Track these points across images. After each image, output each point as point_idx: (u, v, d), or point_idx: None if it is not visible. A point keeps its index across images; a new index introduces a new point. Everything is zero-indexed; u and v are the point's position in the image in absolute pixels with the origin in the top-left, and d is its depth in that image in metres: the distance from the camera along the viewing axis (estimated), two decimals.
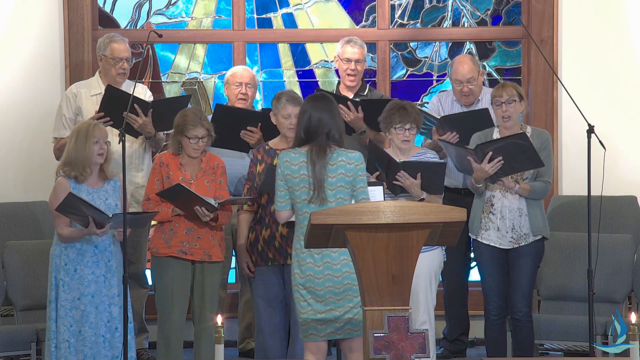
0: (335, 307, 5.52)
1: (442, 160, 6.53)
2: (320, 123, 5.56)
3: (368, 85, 7.36)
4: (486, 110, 6.82)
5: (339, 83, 7.40)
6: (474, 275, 7.37)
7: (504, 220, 6.58)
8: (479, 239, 6.66)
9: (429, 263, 6.25)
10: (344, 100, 6.96)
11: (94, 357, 6.22)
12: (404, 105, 6.40)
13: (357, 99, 7.04)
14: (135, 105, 6.82)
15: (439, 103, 7.27)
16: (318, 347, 5.62)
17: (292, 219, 6.15)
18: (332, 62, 8.04)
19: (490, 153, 6.40)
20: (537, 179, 6.60)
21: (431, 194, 6.34)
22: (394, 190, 6.33)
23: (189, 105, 6.98)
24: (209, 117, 6.83)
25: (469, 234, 6.71)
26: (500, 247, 6.62)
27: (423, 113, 6.97)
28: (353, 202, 5.58)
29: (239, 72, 7.29)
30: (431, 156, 6.48)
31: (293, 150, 5.61)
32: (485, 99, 7.12)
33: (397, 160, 6.31)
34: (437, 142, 6.86)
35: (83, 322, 6.23)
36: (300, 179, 5.56)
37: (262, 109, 7.40)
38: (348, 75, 7.22)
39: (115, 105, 6.76)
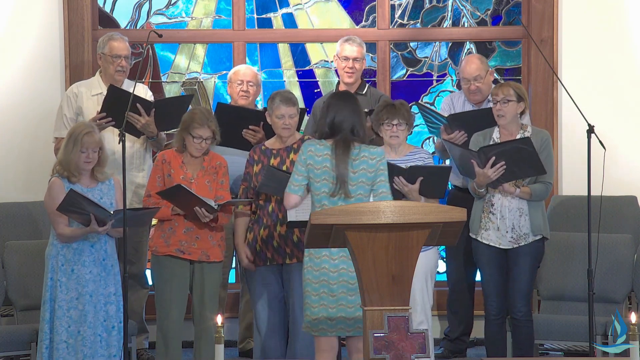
0: (346, 303, 5.51)
1: (448, 165, 6.50)
2: (346, 118, 5.58)
3: (368, 84, 7.36)
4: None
5: (338, 83, 7.41)
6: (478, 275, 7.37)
7: (504, 220, 6.58)
8: (478, 239, 6.66)
9: (425, 263, 6.23)
10: None
11: (92, 357, 6.21)
12: (393, 102, 6.45)
13: (366, 110, 7.02)
14: (137, 105, 6.82)
15: (451, 103, 7.28)
16: (330, 344, 5.61)
17: (293, 218, 6.16)
18: (332, 62, 8.04)
19: (494, 158, 6.39)
20: (537, 181, 6.59)
21: (433, 198, 6.33)
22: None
23: (191, 105, 6.98)
24: None
25: (469, 234, 6.71)
26: (500, 247, 6.62)
27: (433, 112, 6.98)
28: (371, 197, 5.57)
29: (242, 70, 7.31)
30: (425, 156, 6.49)
31: (319, 142, 5.61)
32: None
33: (403, 167, 6.31)
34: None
35: (82, 322, 6.23)
36: (322, 170, 5.55)
37: (264, 108, 7.41)
38: (346, 72, 7.23)
39: (117, 105, 6.75)
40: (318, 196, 5.57)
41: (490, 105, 7.04)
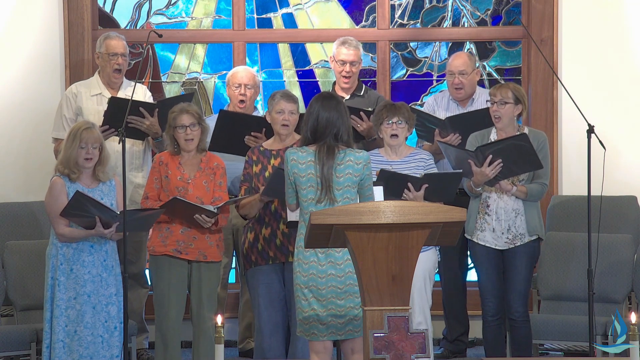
0: (336, 307, 5.50)
1: (459, 171, 6.49)
2: (329, 123, 5.51)
3: (364, 85, 7.35)
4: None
5: (334, 83, 7.39)
6: (472, 275, 7.37)
7: (500, 221, 6.57)
8: (474, 240, 6.65)
9: (423, 264, 6.22)
10: (356, 111, 6.94)
11: (91, 357, 6.21)
12: (394, 103, 6.43)
13: (369, 109, 7.01)
14: (141, 108, 6.82)
15: (434, 102, 7.31)
16: (325, 346, 5.59)
17: (293, 218, 6.16)
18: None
19: (491, 156, 6.40)
20: (533, 181, 6.59)
21: (440, 202, 6.31)
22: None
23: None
24: (213, 118, 6.85)
25: (465, 235, 6.71)
26: (496, 247, 6.61)
27: (425, 114, 6.98)
28: (358, 200, 5.55)
29: (239, 73, 7.29)
30: (426, 157, 6.47)
31: (300, 149, 5.55)
32: (480, 99, 7.14)
33: (418, 175, 6.29)
34: (436, 146, 6.85)
35: (79, 322, 6.21)
36: (307, 178, 5.51)
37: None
38: (343, 77, 7.23)
39: (120, 114, 6.69)
40: (305, 203, 5.53)
41: (474, 106, 7.08)
